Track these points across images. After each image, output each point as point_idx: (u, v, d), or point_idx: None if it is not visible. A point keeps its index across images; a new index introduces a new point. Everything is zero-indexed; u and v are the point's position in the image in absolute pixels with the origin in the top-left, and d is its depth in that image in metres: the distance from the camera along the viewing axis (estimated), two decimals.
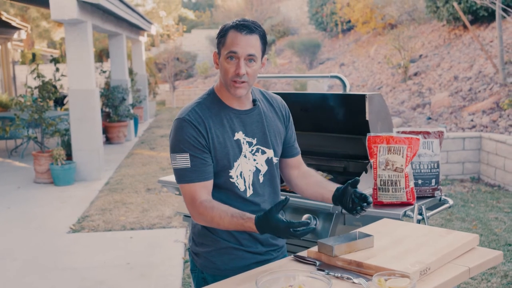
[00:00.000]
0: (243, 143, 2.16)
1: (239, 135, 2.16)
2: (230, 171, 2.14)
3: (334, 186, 2.22)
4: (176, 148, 2.10)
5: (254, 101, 2.25)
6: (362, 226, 2.34)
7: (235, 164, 2.14)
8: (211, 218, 2.03)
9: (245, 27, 2.06)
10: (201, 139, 2.08)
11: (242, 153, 2.16)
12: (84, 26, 8.30)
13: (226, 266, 2.17)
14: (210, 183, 2.12)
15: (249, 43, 2.06)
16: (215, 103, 2.17)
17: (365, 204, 2.07)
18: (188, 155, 2.07)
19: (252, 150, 2.18)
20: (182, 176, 2.10)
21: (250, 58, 2.07)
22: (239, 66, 2.05)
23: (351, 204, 2.09)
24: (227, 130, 2.14)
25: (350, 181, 2.12)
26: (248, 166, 2.17)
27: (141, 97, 15.23)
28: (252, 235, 2.18)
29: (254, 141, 2.19)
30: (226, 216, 2.01)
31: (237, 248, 2.18)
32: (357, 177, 2.11)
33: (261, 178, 2.21)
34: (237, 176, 2.15)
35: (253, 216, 1.97)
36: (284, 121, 2.33)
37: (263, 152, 2.21)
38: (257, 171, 2.19)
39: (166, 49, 23.09)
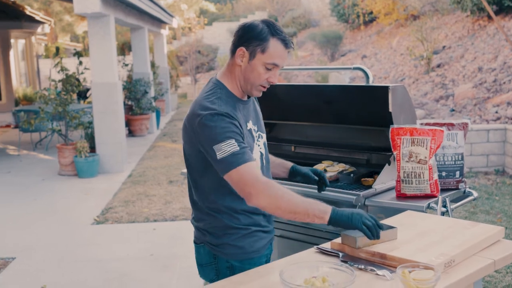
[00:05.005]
0: (253, 130, 2.28)
1: (250, 124, 2.27)
2: None
3: (286, 166, 2.64)
4: (219, 137, 2.08)
5: None
6: (385, 218, 2.34)
7: (253, 151, 2.23)
8: (282, 193, 2.05)
9: (290, 44, 2.18)
10: (239, 128, 2.14)
11: (254, 140, 2.27)
12: (106, 20, 8.36)
13: (252, 248, 2.25)
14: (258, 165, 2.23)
15: (287, 58, 2.22)
16: (229, 96, 2.22)
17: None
18: (233, 140, 2.08)
19: (256, 136, 2.30)
20: (235, 160, 2.07)
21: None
22: (275, 76, 2.19)
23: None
24: (243, 120, 2.22)
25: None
26: (257, 153, 2.28)
27: (163, 90, 15.30)
28: (266, 214, 2.28)
29: (256, 128, 2.31)
30: (297, 194, 2.08)
31: (258, 230, 2.28)
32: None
33: (264, 162, 2.34)
34: None
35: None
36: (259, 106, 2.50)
37: (261, 137, 2.35)
38: (261, 155, 2.31)
39: (187, 42, 23.14)
